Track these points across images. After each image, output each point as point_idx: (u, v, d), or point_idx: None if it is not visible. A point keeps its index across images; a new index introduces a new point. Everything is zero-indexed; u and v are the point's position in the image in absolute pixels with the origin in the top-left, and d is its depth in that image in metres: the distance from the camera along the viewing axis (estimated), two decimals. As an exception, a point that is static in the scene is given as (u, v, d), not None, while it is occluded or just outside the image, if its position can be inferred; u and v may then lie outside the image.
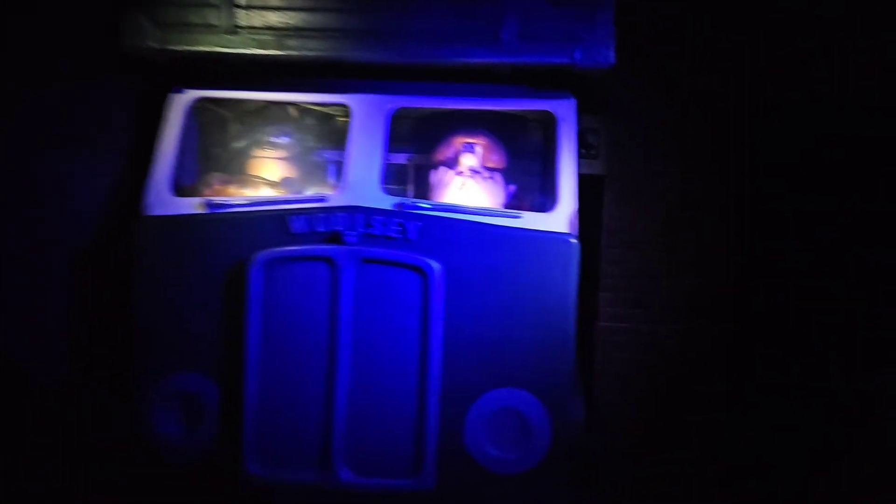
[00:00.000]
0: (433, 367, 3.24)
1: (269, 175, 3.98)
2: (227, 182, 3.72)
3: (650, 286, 4.67)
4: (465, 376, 3.31)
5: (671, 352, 4.63)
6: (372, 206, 3.35)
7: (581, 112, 4.22)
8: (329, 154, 4.34)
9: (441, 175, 3.98)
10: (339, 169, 4.32)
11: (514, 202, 4.00)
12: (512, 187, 4.04)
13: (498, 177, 4.02)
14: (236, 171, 3.98)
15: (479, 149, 4.01)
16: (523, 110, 3.91)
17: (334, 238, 3.27)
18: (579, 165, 4.35)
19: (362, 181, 3.46)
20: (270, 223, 3.31)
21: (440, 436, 3.29)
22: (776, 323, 4.36)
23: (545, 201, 3.85)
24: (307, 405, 3.26)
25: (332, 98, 3.70)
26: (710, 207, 4.56)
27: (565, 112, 3.66)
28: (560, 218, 3.46)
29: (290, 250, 3.22)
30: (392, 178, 4.39)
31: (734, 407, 4.45)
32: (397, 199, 3.43)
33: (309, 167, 4.14)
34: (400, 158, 4.43)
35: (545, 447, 3.33)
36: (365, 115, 3.63)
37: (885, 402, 4.20)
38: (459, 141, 4.01)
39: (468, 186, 3.92)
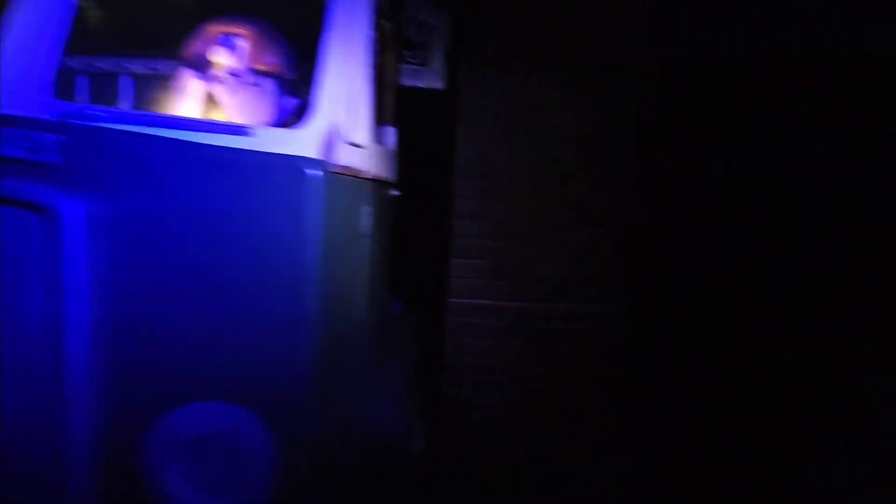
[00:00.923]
0: (74, 370, 2.01)
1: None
2: None
3: (521, 251, 3.46)
4: (136, 384, 2.08)
5: (546, 338, 3.45)
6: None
7: (406, -4, 3.00)
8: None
9: (182, 79, 2.76)
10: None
11: (295, 121, 2.78)
12: (292, 101, 2.82)
13: (270, 85, 2.78)
14: None
15: (241, 43, 2.76)
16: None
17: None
18: (403, 74, 3.15)
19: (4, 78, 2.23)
20: None
21: (97, 475, 2.11)
22: (682, 303, 3.16)
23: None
24: None
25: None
26: (608, 146, 3.33)
27: (339, -26, 2.40)
28: (310, 137, 2.23)
29: None
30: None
31: (622, 410, 3.28)
32: (70, 107, 2.23)
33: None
34: (167, 67, 3.22)
35: (265, 488, 2.16)
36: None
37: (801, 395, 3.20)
38: (213, 31, 2.78)
39: (218, 95, 2.70)
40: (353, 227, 2.60)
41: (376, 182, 2.90)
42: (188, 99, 2.69)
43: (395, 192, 3.42)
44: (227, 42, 2.75)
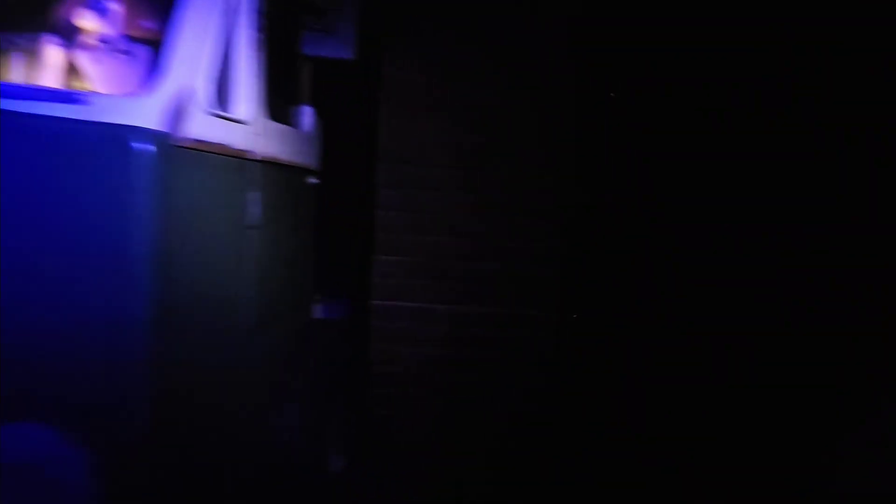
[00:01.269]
0: None
1: None
2: None
3: (452, 246, 3.10)
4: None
5: (480, 344, 3.08)
6: None
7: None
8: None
9: (45, 48, 2.43)
10: None
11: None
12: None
13: (144, 53, 2.45)
14: None
15: (112, 6, 2.44)
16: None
17: None
18: (305, 42, 2.79)
19: None
20: None
21: None
22: (625, 309, 2.79)
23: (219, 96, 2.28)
24: None
25: None
26: (546, 128, 2.95)
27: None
28: (154, 105, 1.90)
29: None
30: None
31: (564, 422, 2.90)
32: None
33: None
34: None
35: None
36: None
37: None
38: (83, -7, 2.45)
39: (82, 64, 2.37)
40: (228, 216, 2.25)
41: (273, 165, 2.55)
42: (49, 70, 2.37)
43: (312, 180, 3.08)
44: (96, 5, 2.44)
